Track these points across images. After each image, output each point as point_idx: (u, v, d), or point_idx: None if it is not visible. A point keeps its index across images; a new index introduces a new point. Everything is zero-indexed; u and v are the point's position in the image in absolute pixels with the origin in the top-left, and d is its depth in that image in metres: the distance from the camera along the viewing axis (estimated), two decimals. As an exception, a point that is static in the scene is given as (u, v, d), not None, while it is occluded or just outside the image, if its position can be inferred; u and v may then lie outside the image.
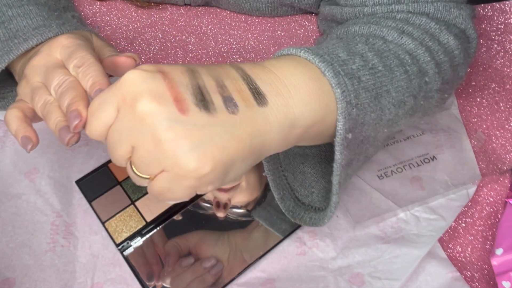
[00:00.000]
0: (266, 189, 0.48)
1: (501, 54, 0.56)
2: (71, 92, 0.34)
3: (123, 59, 0.38)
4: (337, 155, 0.33)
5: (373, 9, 0.44)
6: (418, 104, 0.38)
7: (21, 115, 0.37)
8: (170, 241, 0.44)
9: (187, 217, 0.46)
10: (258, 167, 0.48)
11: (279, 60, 0.33)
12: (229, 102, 0.29)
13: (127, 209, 0.46)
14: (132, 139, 0.29)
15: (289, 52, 0.34)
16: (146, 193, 0.47)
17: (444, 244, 0.45)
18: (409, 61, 0.38)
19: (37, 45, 0.41)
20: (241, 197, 0.47)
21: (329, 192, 0.39)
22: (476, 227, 0.46)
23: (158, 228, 0.45)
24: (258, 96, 0.30)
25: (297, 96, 0.31)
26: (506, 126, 0.52)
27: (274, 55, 0.35)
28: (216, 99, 0.29)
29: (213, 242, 0.44)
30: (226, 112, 0.29)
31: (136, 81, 0.28)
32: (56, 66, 0.37)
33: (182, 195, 0.29)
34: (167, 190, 0.29)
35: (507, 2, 0.55)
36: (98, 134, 0.30)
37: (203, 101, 0.28)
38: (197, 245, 0.44)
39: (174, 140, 0.27)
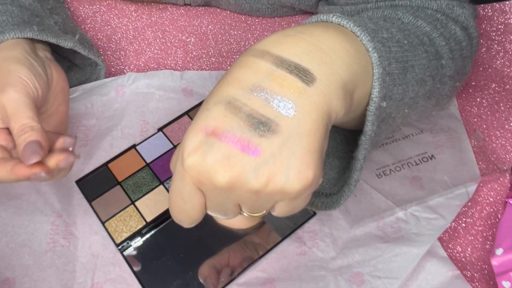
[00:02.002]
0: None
1: (501, 54, 0.56)
2: None
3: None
4: (368, 126, 0.31)
5: (376, 5, 0.43)
6: (435, 87, 0.37)
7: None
8: (204, 264, 0.43)
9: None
10: None
11: (306, 26, 0.30)
12: (283, 105, 0.27)
13: (127, 209, 0.46)
14: (234, 201, 0.28)
15: (318, 19, 0.32)
16: (146, 193, 0.47)
17: (444, 244, 0.45)
18: (427, 42, 0.37)
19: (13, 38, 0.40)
20: (241, 223, 0.46)
21: (338, 182, 0.38)
22: (476, 227, 0.46)
23: (158, 228, 0.45)
24: (303, 74, 0.27)
25: (338, 60, 0.29)
26: (506, 126, 0.52)
27: (297, 25, 0.32)
28: (270, 112, 0.27)
29: (242, 248, 0.44)
30: (287, 118, 0.27)
31: (198, 161, 0.27)
32: None
33: (304, 204, 0.30)
34: (291, 210, 0.29)
35: (507, 2, 0.55)
36: (199, 219, 0.30)
37: (263, 126, 0.26)
38: (230, 259, 0.43)
39: (268, 181, 0.26)
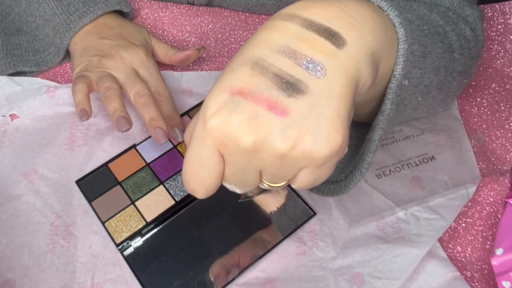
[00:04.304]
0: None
1: (501, 54, 0.56)
2: (153, 109, 0.45)
3: (194, 52, 0.51)
4: (387, 105, 0.31)
5: None
6: (447, 80, 0.37)
7: (86, 90, 0.45)
8: (216, 262, 0.43)
9: (185, 217, 0.46)
10: None
11: None
12: (312, 66, 0.26)
13: (127, 209, 0.46)
14: (256, 168, 0.27)
15: None
16: (146, 193, 0.47)
17: (444, 244, 0.45)
18: (442, 34, 0.37)
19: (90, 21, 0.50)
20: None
21: (343, 171, 0.37)
22: (476, 227, 0.46)
23: (158, 228, 0.45)
24: (333, 37, 0.26)
25: (367, 27, 0.28)
26: (506, 126, 0.52)
27: None
28: (299, 73, 0.26)
29: (252, 246, 0.44)
30: (317, 79, 0.26)
31: (222, 122, 0.25)
32: (138, 76, 0.48)
33: (329, 174, 0.28)
34: (314, 180, 0.28)
35: (507, 3, 0.55)
36: (214, 189, 0.29)
37: (292, 86, 0.25)
38: (240, 259, 0.43)
39: (296, 144, 0.25)
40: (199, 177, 0.28)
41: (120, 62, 0.48)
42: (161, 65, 0.55)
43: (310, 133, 0.25)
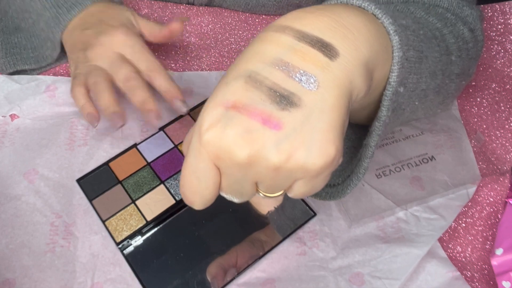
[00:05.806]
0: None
1: (501, 54, 0.56)
2: (142, 91, 0.44)
3: (178, 25, 0.49)
4: (383, 112, 0.31)
5: (388, 0, 0.43)
6: (444, 82, 0.37)
7: (84, 91, 0.45)
8: (213, 263, 0.43)
9: (186, 217, 0.46)
10: None
11: (326, 5, 0.29)
12: (305, 79, 0.26)
13: (128, 208, 0.46)
14: (252, 179, 0.27)
15: (337, 1, 0.31)
16: (147, 192, 0.47)
17: (444, 244, 0.45)
18: (439, 36, 0.37)
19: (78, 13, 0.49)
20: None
21: (341, 174, 0.37)
22: (476, 227, 0.46)
23: (158, 227, 0.45)
24: (326, 49, 0.27)
25: (361, 37, 0.28)
26: (506, 126, 0.52)
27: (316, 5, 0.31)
28: (293, 86, 0.26)
29: (249, 247, 0.44)
30: (310, 92, 0.26)
31: (217, 135, 0.26)
32: (121, 59, 0.45)
33: (322, 185, 0.29)
34: (309, 191, 0.28)
35: (507, 3, 0.55)
36: (211, 200, 0.29)
37: (285, 99, 0.26)
38: (238, 259, 0.43)
39: (290, 157, 0.25)
40: (196, 189, 0.28)
41: (101, 49, 0.46)
42: (161, 65, 0.55)
43: (304, 146, 0.25)
